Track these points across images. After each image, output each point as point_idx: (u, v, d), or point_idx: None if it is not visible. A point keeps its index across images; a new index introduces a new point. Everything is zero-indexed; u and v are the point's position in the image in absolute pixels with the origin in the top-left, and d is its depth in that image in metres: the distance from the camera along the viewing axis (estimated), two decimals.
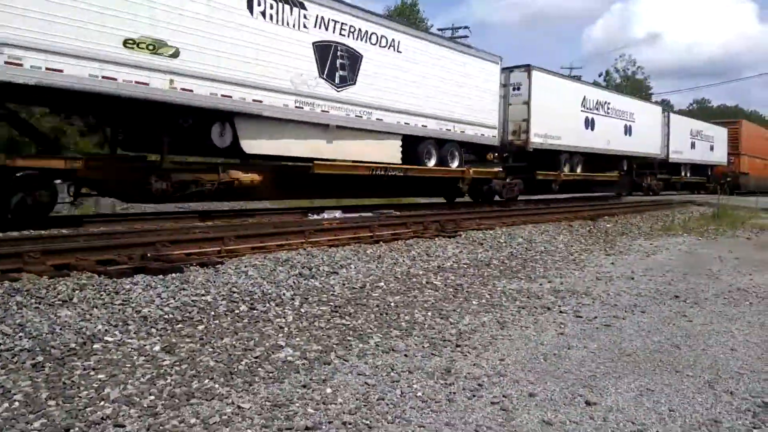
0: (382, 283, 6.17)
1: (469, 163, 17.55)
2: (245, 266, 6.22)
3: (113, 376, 3.26)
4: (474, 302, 5.50)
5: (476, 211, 14.44)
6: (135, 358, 3.57)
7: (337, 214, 12.57)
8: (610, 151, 24.48)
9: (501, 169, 18.60)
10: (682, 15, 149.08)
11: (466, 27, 44.09)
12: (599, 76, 68.65)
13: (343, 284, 6.00)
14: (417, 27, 21.93)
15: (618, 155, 25.79)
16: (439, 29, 41.89)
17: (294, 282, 5.89)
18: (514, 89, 18.89)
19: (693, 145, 33.50)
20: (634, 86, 65.03)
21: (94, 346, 3.73)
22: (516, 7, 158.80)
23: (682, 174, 33.84)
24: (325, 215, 12.30)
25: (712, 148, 36.42)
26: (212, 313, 4.65)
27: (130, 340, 3.87)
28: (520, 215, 13.78)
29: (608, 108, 24.20)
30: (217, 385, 3.21)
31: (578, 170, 22.98)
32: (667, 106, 36.86)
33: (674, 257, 8.95)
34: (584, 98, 22.50)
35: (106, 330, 4.01)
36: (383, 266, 7.07)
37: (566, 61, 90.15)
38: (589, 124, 22.76)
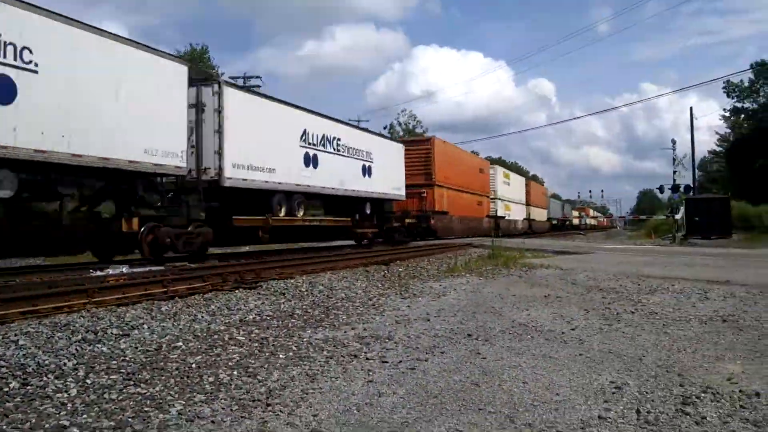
0: (181, 343, 5.73)
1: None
2: (15, 335, 5.39)
3: None
4: (281, 356, 5.34)
5: (277, 260, 14.29)
6: None
7: (124, 269, 11.56)
8: None
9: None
10: (450, 76, 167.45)
11: (258, 77, 44.31)
12: (384, 128, 73.12)
13: (136, 347, 5.47)
14: None
15: None
16: (231, 77, 41.54)
17: (77, 349, 5.23)
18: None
19: (311, 160, 18.77)
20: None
21: None
22: (305, 61, 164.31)
23: (276, 210, 17.38)
24: (110, 271, 11.23)
25: (369, 171, 22.68)
26: None
27: None
28: (319, 262, 13.94)
29: None
30: None
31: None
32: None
33: (462, 297, 9.61)
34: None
35: None
36: (180, 324, 6.60)
37: (354, 113, 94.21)
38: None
